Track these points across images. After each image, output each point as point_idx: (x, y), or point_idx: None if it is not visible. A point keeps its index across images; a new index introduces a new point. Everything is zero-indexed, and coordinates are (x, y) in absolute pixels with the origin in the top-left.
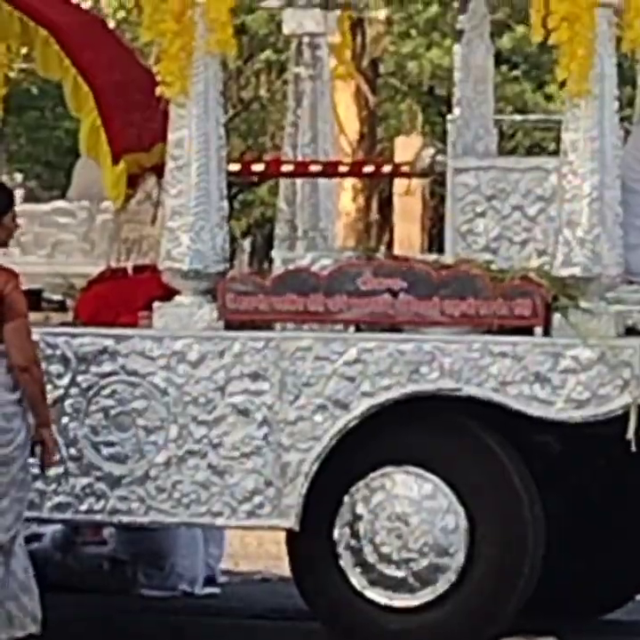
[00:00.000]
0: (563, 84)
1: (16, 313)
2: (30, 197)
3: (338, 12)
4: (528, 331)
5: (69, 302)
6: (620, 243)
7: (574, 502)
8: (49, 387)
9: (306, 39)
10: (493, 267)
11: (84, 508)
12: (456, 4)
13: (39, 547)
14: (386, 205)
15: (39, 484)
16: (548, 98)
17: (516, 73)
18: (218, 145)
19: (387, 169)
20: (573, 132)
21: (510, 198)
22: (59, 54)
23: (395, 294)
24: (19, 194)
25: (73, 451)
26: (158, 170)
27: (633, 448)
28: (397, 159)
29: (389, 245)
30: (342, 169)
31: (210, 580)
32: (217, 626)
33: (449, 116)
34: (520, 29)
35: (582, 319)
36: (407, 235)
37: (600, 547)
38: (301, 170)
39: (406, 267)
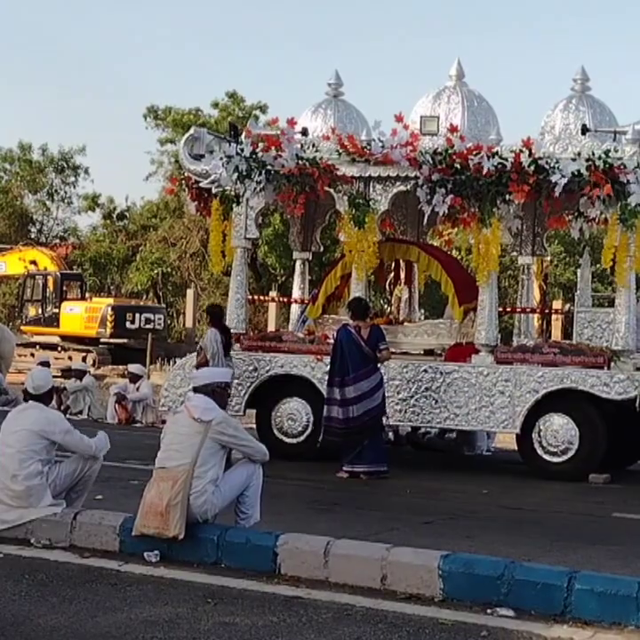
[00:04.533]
0: None
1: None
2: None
3: None
4: (602, 367)
5: (442, 354)
6: (634, 338)
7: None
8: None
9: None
10: (591, 345)
11: (448, 422)
12: None
13: (432, 435)
14: None
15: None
16: None
17: None
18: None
19: None
20: (619, 300)
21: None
22: (438, 266)
23: (559, 354)
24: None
25: (443, 406)
26: (474, 310)
27: (638, 409)
28: None
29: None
30: None
31: (488, 449)
32: (488, 461)
33: None
34: None
35: (621, 364)
36: None
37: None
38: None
39: (566, 345)
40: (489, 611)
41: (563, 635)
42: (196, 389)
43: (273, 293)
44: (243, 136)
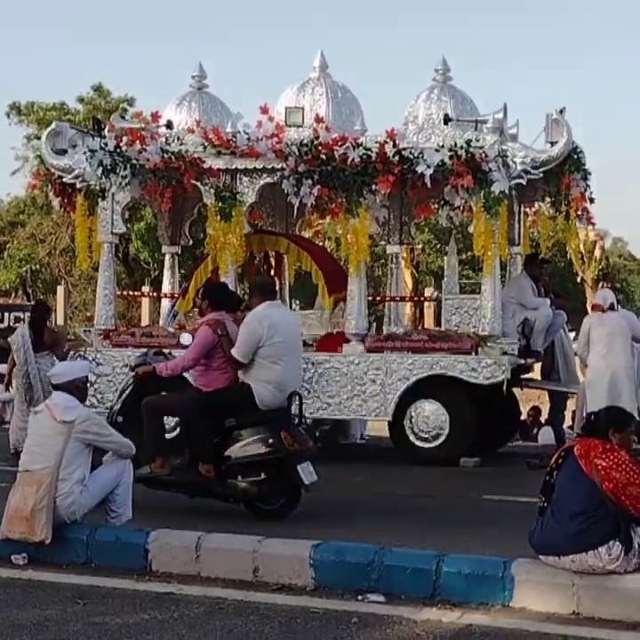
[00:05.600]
0: None
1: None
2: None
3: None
4: (470, 352)
5: (314, 344)
6: (500, 323)
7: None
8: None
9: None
10: (458, 331)
11: (321, 412)
12: None
13: (306, 426)
14: None
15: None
16: None
17: None
18: None
19: None
20: (485, 286)
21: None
22: (307, 256)
23: (428, 341)
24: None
25: (315, 396)
26: (344, 300)
27: (504, 392)
28: None
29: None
30: None
31: (361, 437)
32: (362, 448)
33: None
34: None
35: (488, 349)
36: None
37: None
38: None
39: (435, 331)
40: (360, 597)
41: (432, 617)
42: (57, 387)
43: (146, 288)
44: (106, 130)
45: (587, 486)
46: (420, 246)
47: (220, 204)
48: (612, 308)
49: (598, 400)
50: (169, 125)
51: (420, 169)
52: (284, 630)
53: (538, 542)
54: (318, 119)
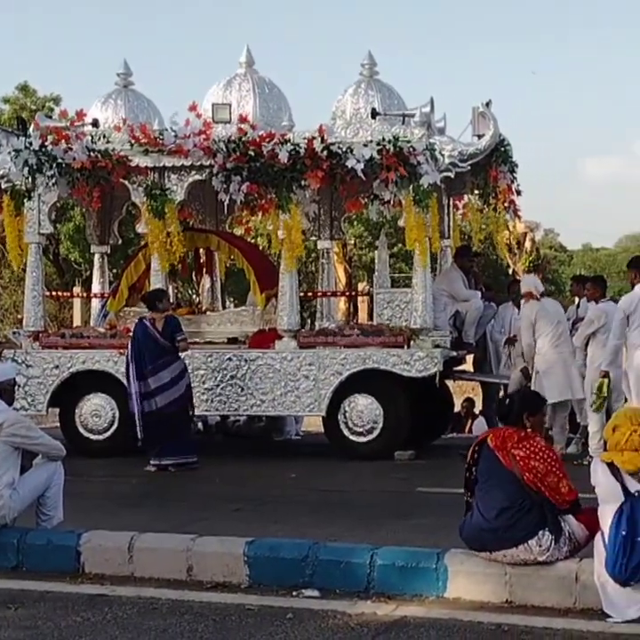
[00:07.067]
0: None
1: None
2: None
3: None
4: (402, 346)
5: (246, 341)
6: (431, 316)
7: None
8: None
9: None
10: (390, 325)
11: (255, 409)
12: None
13: (241, 423)
14: None
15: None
16: None
17: None
18: None
19: None
20: (415, 279)
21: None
22: (238, 253)
23: (360, 335)
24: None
25: (249, 393)
26: (276, 296)
27: (437, 384)
28: None
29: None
30: None
31: (297, 433)
32: (297, 445)
33: None
34: None
35: (420, 342)
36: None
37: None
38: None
39: (367, 326)
40: (295, 593)
41: (366, 610)
42: None
43: (77, 289)
44: (31, 129)
45: (508, 479)
46: (351, 241)
47: (150, 201)
48: (543, 294)
49: (556, 389)
50: (95, 124)
51: (350, 164)
52: (219, 628)
53: (468, 537)
54: (243, 119)
